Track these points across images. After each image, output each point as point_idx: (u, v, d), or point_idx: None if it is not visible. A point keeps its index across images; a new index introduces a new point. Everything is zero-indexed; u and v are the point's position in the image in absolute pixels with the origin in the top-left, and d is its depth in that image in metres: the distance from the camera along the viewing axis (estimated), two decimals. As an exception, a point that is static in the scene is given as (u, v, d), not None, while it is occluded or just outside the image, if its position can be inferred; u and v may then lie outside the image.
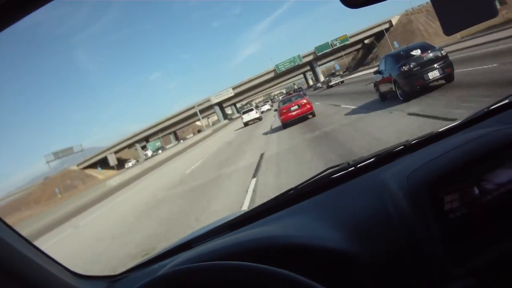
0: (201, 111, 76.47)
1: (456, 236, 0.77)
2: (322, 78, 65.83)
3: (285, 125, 14.45)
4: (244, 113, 29.71)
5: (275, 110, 24.68)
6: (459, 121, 1.13)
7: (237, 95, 75.13)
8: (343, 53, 78.20)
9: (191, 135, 67.13)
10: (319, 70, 68.46)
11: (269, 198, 1.15)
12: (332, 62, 79.50)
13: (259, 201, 5.16)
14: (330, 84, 36.59)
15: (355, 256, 0.80)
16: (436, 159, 0.86)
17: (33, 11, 0.62)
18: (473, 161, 0.81)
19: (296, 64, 64.32)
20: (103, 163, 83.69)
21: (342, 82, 35.51)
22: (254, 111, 29.14)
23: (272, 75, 65.74)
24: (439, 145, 1.01)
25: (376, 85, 10.84)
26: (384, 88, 10.24)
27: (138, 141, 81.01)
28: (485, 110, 1.10)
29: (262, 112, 40.05)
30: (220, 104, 76.77)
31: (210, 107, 72.16)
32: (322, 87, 51.02)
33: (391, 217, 0.85)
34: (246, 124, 28.52)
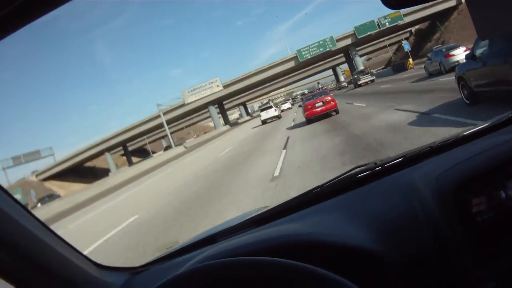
0: (194, 112, 68.15)
1: (482, 240, 0.88)
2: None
3: (309, 120, 17.49)
4: (262, 110, 33.99)
5: (300, 106, 29.15)
6: (485, 125, 1.27)
7: (240, 92, 66.65)
8: (387, 42, 68.57)
9: (192, 139, 58.80)
10: (359, 60, 59.08)
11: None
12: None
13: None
14: (359, 82, 37.19)
15: (381, 255, 0.92)
16: (464, 162, 0.99)
17: (53, 9, 0.72)
18: (500, 165, 0.94)
19: (327, 49, 57.33)
20: (72, 173, 76.41)
21: (372, 81, 36.19)
22: (273, 109, 32.89)
23: (292, 64, 57.98)
24: (465, 148, 1.17)
25: (464, 78, 7.90)
26: (481, 82, 7.28)
27: (110, 148, 72.59)
28: (510, 114, 1.22)
29: (282, 111, 46.88)
30: (220, 104, 68.05)
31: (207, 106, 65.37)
32: (347, 86, 52.82)
33: (417, 217, 0.98)
34: (264, 122, 32.51)
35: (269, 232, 1.06)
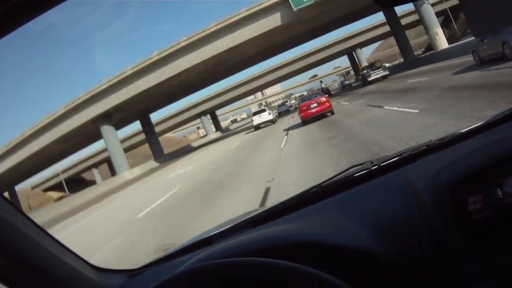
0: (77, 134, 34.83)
1: (478, 238, 0.89)
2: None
3: (305, 122, 16.86)
4: (254, 114, 30.18)
5: (296, 108, 25.50)
6: (482, 123, 1.28)
7: (172, 92, 32.61)
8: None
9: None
10: (431, 13, 26.38)
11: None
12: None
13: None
14: (369, 79, 30.26)
15: (377, 255, 0.93)
16: (460, 160, 1.00)
17: (47, 10, 0.73)
18: (497, 163, 0.94)
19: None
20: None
21: (385, 76, 29.52)
22: (266, 112, 29.33)
23: (277, 20, 26.08)
24: (462, 146, 1.18)
25: None
26: None
27: None
28: (507, 112, 1.23)
29: (279, 114, 44.29)
30: (143, 117, 34.96)
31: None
32: (350, 85, 49.40)
33: (414, 216, 0.99)
34: (257, 127, 29.06)
35: (265, 233, 1.05)
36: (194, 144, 50.07)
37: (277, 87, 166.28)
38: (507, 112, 1.22)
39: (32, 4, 0.68)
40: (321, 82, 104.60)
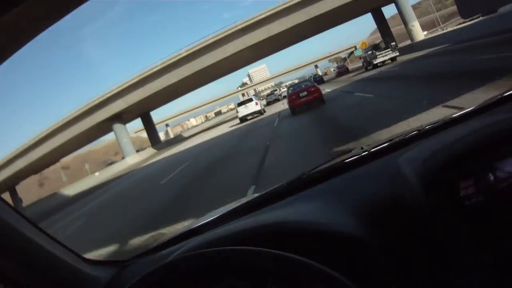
0: None
1: (473, 224, 0.87)
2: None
3: (294, 111, 16.92)
4: (240, 105, 28.60)
5: (284, 97, 28.45)
6: (474, 107, 1.28)
7: None
8: None
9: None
10: None
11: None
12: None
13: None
14: (375, 62, 28.11)
15: (369, 242, 0.92)
16: (451, 145, 1.00)
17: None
18: (488, 147, 0.92)
19: None
20: None
21: (393, 59, 27.55)
22: (253, 102, 27.88)
23: None
24: (453, 131, 1.17)
25: None
26: None
27: None
28: (499, 96, 1.23)
29: (268, 104, 41.72)
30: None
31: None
32: (346, 72, 46.53)
33: (405, 203, 0.98)
34: (243, 119, 27.77)
35: (254, 221, 1.06)
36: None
37: (265, 73, 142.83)
38: (499, 96, 1.20)
39: None
40: (316, 66, 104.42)
